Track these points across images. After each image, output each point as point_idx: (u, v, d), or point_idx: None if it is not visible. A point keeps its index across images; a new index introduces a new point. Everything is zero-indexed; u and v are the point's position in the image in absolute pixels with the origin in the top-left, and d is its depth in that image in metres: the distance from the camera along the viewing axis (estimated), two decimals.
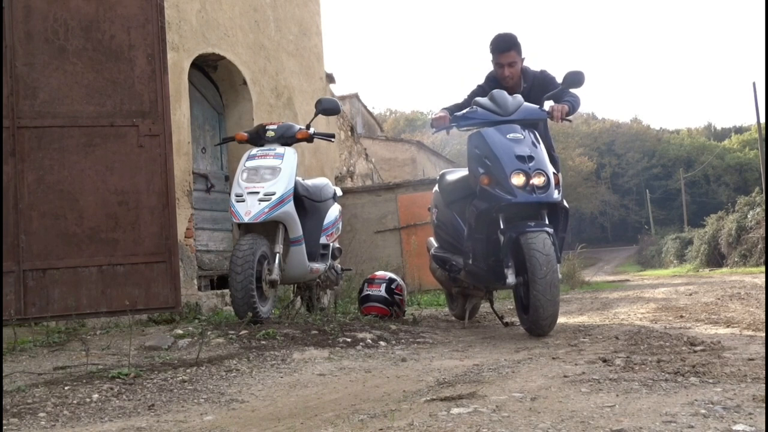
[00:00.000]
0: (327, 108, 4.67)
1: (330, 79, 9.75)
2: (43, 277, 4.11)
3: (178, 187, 5.86)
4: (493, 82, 4.79)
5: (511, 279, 3.91)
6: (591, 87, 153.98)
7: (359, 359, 3.29)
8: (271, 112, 7.75)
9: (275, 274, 4.23)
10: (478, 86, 4.84)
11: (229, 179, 7.38)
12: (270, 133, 4.59)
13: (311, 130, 4.71)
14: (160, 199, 4.34)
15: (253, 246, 4.07)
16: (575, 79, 4.25)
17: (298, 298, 5.33)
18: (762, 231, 21.22)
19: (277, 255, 4.27)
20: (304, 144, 4.89)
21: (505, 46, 4.64)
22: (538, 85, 4.68)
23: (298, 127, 4.71)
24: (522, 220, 4.00)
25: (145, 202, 4.31)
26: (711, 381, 2.40)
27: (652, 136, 68.56)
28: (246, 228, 4.31)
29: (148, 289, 4.28)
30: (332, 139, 5.12)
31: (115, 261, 4.22)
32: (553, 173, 4.07)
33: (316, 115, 4.76)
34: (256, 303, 4.03)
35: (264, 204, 4.21)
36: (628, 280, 16.45)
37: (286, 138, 4.59)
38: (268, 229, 4.34)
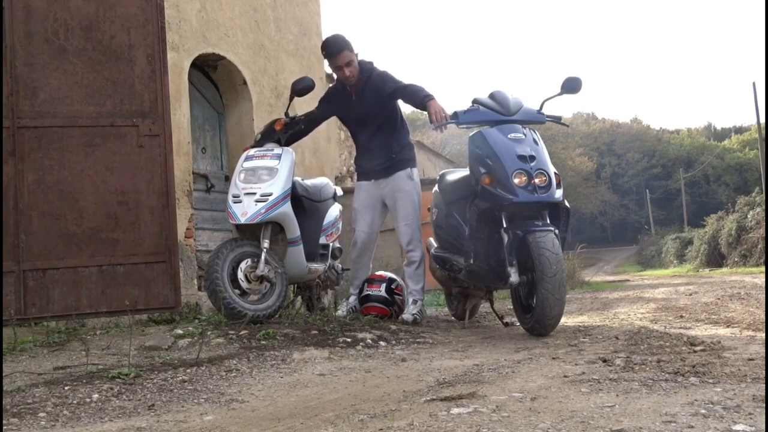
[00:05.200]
0: (301, 88, 4.57)
1: (330, 79, 9.73)
2: (43, 277, 4.11)
3: (178, 187, 5.86)
4: (336, 87, 4.98)
5: (514, 278, 3.91)
6: (591, 87, 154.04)
7: (359, 359, 3.29)
8: (271, 112, 7.75)
9: (259, 271, 4.19)
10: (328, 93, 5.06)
11: (229, 179, 7.37)
12: (257, 137, 4.69)
13: (289, 117, 4.66)
14: (160, 199, 4.34)
15: (224, 252, 4.13)
16: (573, 85, 4.27)
17: (298, 298, 5.33)
18: (762, 231, 21.20)
19: (263, 251, 4.23)
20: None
21: (336, 49, 4.71)
22: (376, 78, 4.79)
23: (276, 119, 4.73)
24: (523, 219, 4.01)
25: (145, 202, 4.31)
26: (711, 381, 2.40)
27: (652, 136, 68.47)
28: (243, 229, 4.33)
29: (148, 289, 4.27)
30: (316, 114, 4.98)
31: (115, 261, 4.22)
32: (555, 173, 4.08)
33: (291, 99, 4.69)
34: (233, 303, 4.03)
35: (261, 205, 4.22)
36: (628, 280, 16.44)
37: (272, 134, 4.63)
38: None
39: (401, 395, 2.43)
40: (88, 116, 4.25)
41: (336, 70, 4.78)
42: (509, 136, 4.07)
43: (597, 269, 23.85)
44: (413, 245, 4.89)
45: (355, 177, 5.06)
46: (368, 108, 4.81)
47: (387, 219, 5.22)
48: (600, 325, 4.64)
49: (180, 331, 3.78)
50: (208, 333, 3.75)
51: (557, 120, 4.53)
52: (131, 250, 4.25)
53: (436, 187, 5.16)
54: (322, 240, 5.01)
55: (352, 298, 5.02)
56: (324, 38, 4.83)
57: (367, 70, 4.81)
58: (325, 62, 5.06)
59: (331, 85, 5.08)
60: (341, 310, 4.93)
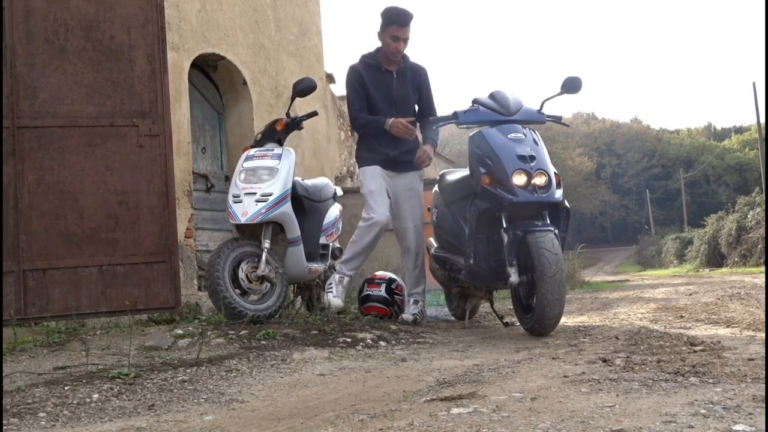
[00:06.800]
0: (302, 89, 4.55)
1: (330, 79, 9.73)
2: (43, 277, 4.11)
3: (178, 187, 5.86)
4: (367, 66, 4.75)
5: (514, 278, 3.91)
6: (591, 87, 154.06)
7: (359, 359, 3.29)
8: (271, 112, 7.75)
9: (260, 271, 4.20)
10: (356, 71, 4.77)
11: (229, 179, 7.38)
12: (258, 136, 4.66)
13: (290, 117, 4.65)
14: (160, 199, 4.34)
15: (225, 252, 4.13)
16: (573, 84, 4.28)
17: (298, 298, 5.33)
18: (762, 231, 21.20)
19: (264, 251, 4.24)
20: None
21: (405, 20, 4.65)
22: (413, 71, 4.85)
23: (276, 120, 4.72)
24: (523, 219, 4.01)
25: (145, 202, 4.31)
26: (711, 381, 2.40)
27: (652, 136, 68.47)
28: (243, 229, 4.33)
29: (148, 289, 4.28)
30: (317, 114, 4.93)
31: (115, 261, 4.22)
32: (555, 173, 4.08)
33: (293, 99, 4.68)
34: (234, 303, 4.04)
35: (261, 205, 4.22)
36: (628, 280, 16.44)
37: (272, 134, 4.62)
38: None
39: (401, 395, 2.43)
40: (88, 116, 4.25)
41: (391, 40, 4.65)
42: (509, 136, 4.08)
43: (597, 269, 23.86)
44: (421, 247, 4.91)
45: (362, 164, 4.84)
46: (407, 90, 4.84)
47: None
48: (600, 325, 4.64)
49: (180, 331, 3.78)
50: (208, 333, 3.76)
51: (557, 120, 4.53)
52: (131, 250, 4.26)
53: (436, 187, 5.16)
54: (322, 240, 5.01)
55: (347, 280, 4.75)
56: (390, 6, 4.66)
57: (407, 61, 4.86)
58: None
59: (352, 67, 4.81)
60: (333, 292, 4.66)
